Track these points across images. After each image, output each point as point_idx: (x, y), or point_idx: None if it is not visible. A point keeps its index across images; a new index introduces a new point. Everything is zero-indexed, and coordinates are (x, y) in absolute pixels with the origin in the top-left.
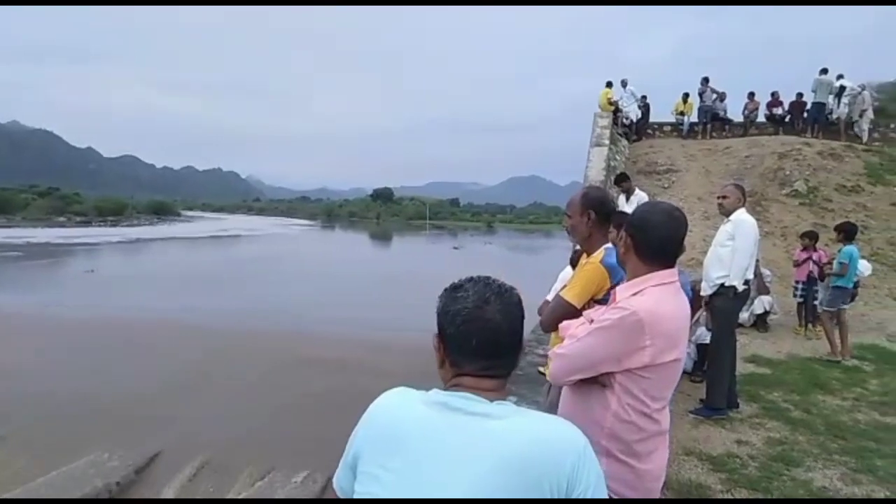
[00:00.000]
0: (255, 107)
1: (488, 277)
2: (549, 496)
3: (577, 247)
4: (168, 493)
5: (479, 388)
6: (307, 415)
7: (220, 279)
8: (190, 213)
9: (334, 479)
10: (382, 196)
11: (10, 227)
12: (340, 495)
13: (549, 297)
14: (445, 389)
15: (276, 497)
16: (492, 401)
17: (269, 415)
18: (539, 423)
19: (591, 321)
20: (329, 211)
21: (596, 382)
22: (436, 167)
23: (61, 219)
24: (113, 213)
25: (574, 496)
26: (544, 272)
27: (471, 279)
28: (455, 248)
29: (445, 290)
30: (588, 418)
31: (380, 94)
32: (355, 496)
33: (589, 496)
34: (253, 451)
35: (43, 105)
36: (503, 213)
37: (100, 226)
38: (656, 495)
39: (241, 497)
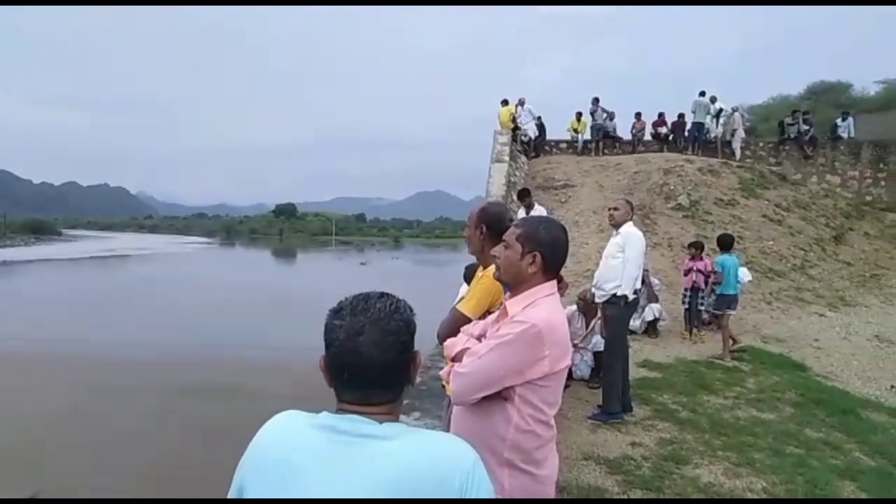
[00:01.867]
0: (145, 122)
1: (368, 298)
2: None
3: (474, 261)
4: None
5: (364, 411)
6: (197, 446)
7: (104, 305)
8: (73, 233)
9: None
10: (286, 212)
11: None
12: None
13: None
14: (335, 412)
15: None
16: (381, 422)
17: (158, 449)
18: (427, 441)
19: (477, 336)
20: (228, 228)
21: (497, 397)
22: (341, 182)
23: None
24: None
25: None
26: (452, 284)
27: (353, 300)
28: (362, 263)
29: (329, 311)
30: (489, 432)
31: (280, 110)
32: None
33: None
34: (142, 488)
35: None
36: (410, 227)
37: None
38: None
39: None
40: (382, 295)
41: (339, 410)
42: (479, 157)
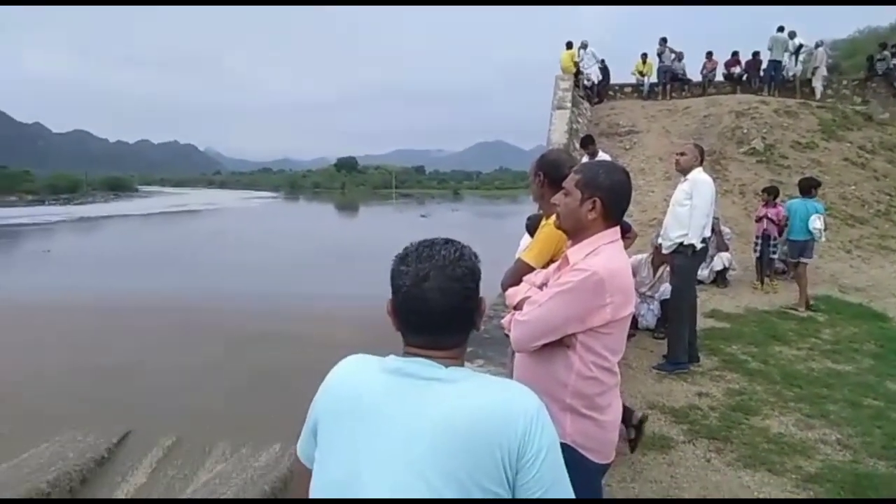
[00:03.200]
0: (211, 79)
1: (433, 245)
2: (498, 457)
3: (537, 212)
4: (141, 471)
5: (432, 355)
6: (271, 389)
7: (178, 256)
8: (148, 189)
9: (297, 447)
10: (347, 166)
11: None
12: (303, 461)
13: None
14: (402, 355)
15: (250, 472)
16: (446, 366)
17: (234, 391)
18: (491, 386)
19: (539, 285)
20: (292, 182)
21: (559, 344)
22: (400, 135)
23: (12, 198)
24: (66, 190)
25: (524, 460)
26: (512, 236)
27: (418, 246)
28: (423, 216)
29: (395, 257)
30: (551, 379)
31: (340, 62)
32: (315, 462)
33: (540, 461)
34: (221, 427)
35: None
36: (469, 179)
37: (53, 204)
38: (615, 445)
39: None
40: (447, 241)
41: (406, 354)
42: (541, 104)
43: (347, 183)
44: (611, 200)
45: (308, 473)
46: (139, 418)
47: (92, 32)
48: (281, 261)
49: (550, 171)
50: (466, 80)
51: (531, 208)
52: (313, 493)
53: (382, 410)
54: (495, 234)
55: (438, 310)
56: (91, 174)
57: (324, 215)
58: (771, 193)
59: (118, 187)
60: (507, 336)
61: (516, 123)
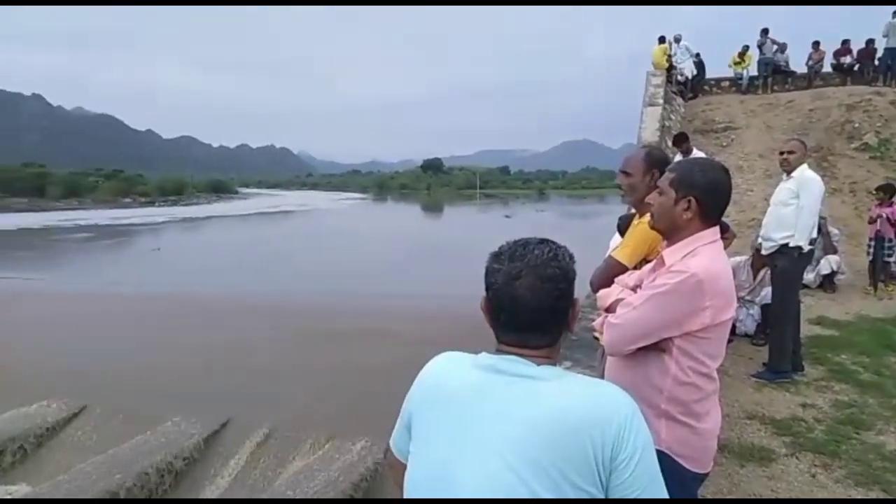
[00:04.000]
0: (304, 84)
1: (527, 245)
2: (591, 456)
3: (630, 211)
4: (240, 458)
5: (525, 353)
6: (361, 385)
7: (274, 255)
8: (246, 191)
9: (391, 441)
10: (432, 167)
11: (81, 209)
12: (397, 455)
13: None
14: (494, 353)
15: (337, 466)
16: (539, 364)
17: (322, 386)
18: (584, 385)
19: (632, 287)
20: (380, 184)
21: (654, 348)
22: (485, 135)
23: (127, 200)
24: (174, 192)
25: (618, 461)
26: (599, 236)
27: (512, 245)
28: (507, 216)
29: (490, 255)
30: (645, 383)
31: (425, 64)
32: (410, 455)
33: (635, 463)
34: (313, 420)
35: (103, 91)
36: (555, 179)
37: (162, 205)
38: (713, 453)
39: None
40: (542, 241)
41: (499, 351)
42: (630, 101)
43: (433, 184)
44: (707, 199)
45: (402, 466)
46: (237, 408)
47: (196, 43)
48: (369, 259)
49: (664, 168)
50: (553, 77)
51: (619, 208)
52: (408, 486)
53: (475, 406)
54: (581, 235)
55: (528, 309)
56: (196, 177)
57: (409, 215)
58: (886, 192)
59: (220, 189)
60: (596, 338)
61: (604, 122)
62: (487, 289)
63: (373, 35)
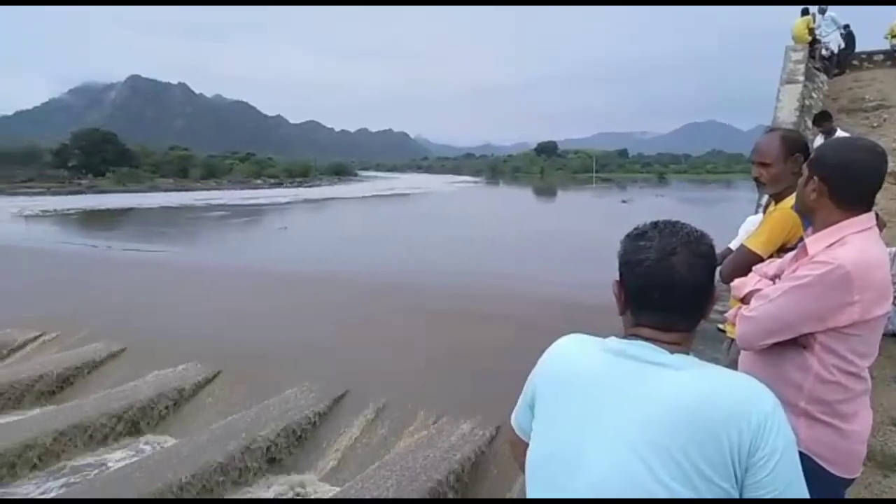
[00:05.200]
0: (420, 69)
1: (676, 223)
2: (727, 451)
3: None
4: (354, 429)
5: (658, 338)
6: (474, 366)
7: (391, 235)
8: (365, 173)
9: (512, 418)
10: (546, 150)
11: (218, 189)
12: (518, 433)
13: (733, 246)
14: (624, 337)
15: (446, 442)
16: (672, 352)
17: (434, 364)
18: (722, 376)
19: (771, 277)
20: (493, 167)
21: (793, 343)
22: (602, 117)
23: (258, 181)
24: (300, 174)
25: (756, 458)
26: (725, 225)
27: (656, 224)
28: (623, 201)
29: (627, 236)
30: (782, 380)
31: (542, 45)
32: (532, 434)
33: (775, 461)
34: (424, 397)
35: (239, 79)
36: (677, 163)
37: (289, 187)
38: (862, 459)
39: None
40: (677, 223)
41: (631, 336)
42: (765, 78)
43: (546, 167)
44: (838, 181)
45: (522, 444)
46: (354, 381)
47: (324, 32)
48: (480, 242)
49: (806, 151)
50: (678, 54)
51: (747, 195)
52: (529, 464)
53: (602, 390)
54: (705, 223)
55: (684, 285)
56: (319, 160)
57: (521, 199)
58: None
59: (341, 172)
60: (721, 330)
61: (733, 101)
62: (631, 268)
63: (491, 18)
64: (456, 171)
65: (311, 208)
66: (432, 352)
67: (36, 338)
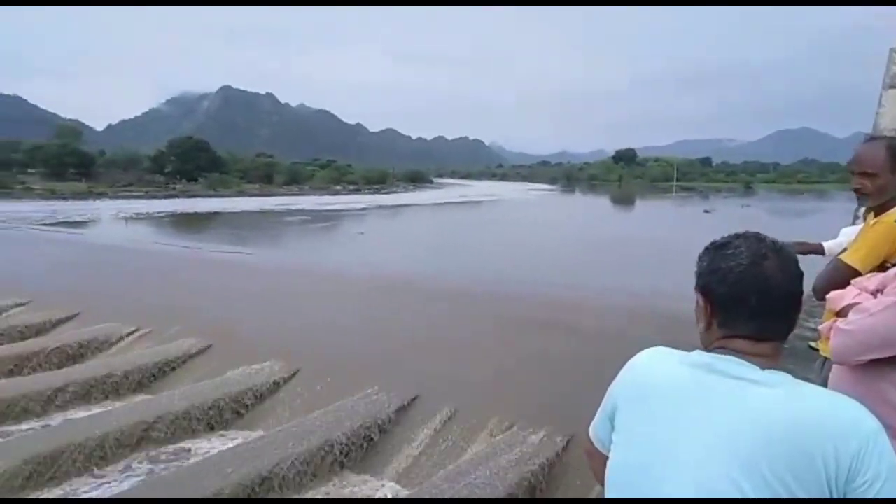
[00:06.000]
0: (497, 76)
1: (758, 233)
2: (822, 474)
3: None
4: (424, 434)
5: (749, 352)
6: (545, 376)
7: (461, 242)
8: (440, 181)
9: (591, 429)
10: (625, 158)
11: (300, 194)
12: (596, 445)
13: (826, 246)
14: (710, 351)
15: (517, 451)
16: (763, 368)
17: (504, 373)
18: (818, 395)
19: (872, 291)
20: (569, 175)
21: (892, 361)
22: (684, 124)
23: (338, 187)
24: (377, 181)
25: (856, 483)
26: (817, 239)
27: (738, 235)
28: (706, 210)
29: (708, 247)
30: (878, 399)
31: (620, 50)
32: (612, 446)
33: (878, 488)
34: (495, 405)
35: (323, 88)
36: (765, 171)
37: (367, 193)
38: None
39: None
40: (759, 234)
41: (718, 349)
42: (864, 82)
43: (624, 176)
44: None
45: (600, 455)
46: (425, 386)
47: (401, 41)
48: (550, 249)
49: None
50: (767, 57)
51: (842, 205)
52: (610, 476)
53: (687, 404)
54: (796, 236)
55: (779, 291)
56: (396, 167)
57: (596, 207)
58: None
59: (416, 179)
60: (812, 348)
61: (828, 107)
62: (721, 277)
63: (571, 22)
64: (531, 178)
65: (386, 214)
66: (503, 359)
67: (133, 332)
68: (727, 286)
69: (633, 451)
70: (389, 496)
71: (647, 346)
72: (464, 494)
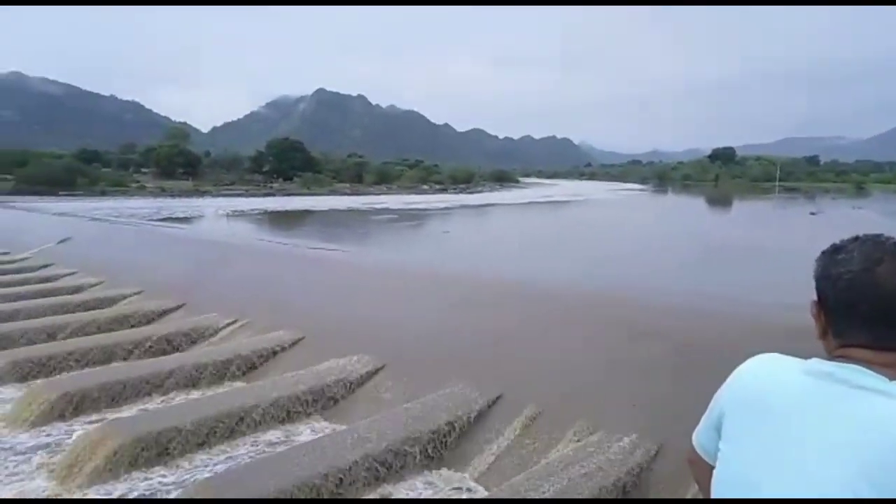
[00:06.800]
0: (585, 75)
1: (879, 235)
2: None
3: None
4: (507, 433)
5: (872, 361)
6: (634, 381)
7: (548, 242)
8: (526, 180)
9: (694, 437)
10: (722, 157)
11: (388, 193)
12: (700, 453)
13: None
14: (829, 360)
15: (602, 456)
16: (891, 379)
17: (598, 376)
18: None
19: None
20: (661, 174)
21: None
22: (789, 121)
23: (424, 187)
24: (463, 181)
25: None
26: None
27: (856, 238)
28: (812, 213)
29: (824, 252)
30: None
31: (717, 45)
32: (720, 455)
33: None
34: (581, 408)
35: (412, 90)
36: (879, 171)
37: (453, 192)
38: None
39: (555, 454)
40: (880, 235)
41: (839, 358)
42: None
43: (722, 175)
44: None
45: (703, 464)
46: (509, 385)
47: (488, 44)
48: (640, 253)
49: None
50: (880, 46)
51: None
52: (717, 486)
53: (804, 413)
54: None
55: (891, 298)
56: (482, 167)
57: (689, 208)
58: None
59: (502, 179)
60: None
61: None
62: (832, 283)
63: (660, 18)
64: (620, 178)
65: (471, 213)
66: (591, 362)
67: (232, 323)
68: (836, 293)
69: (743, 460)
70: (471, 495)
71: (746, 355)
72: (547, 497)
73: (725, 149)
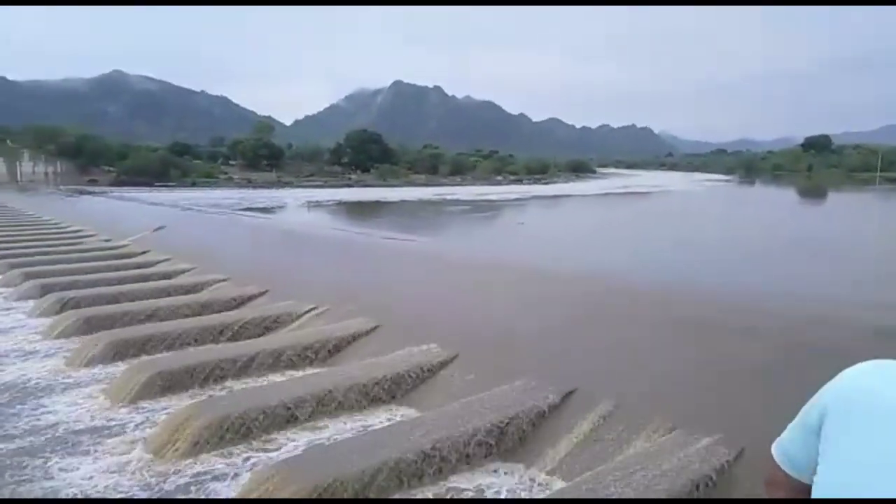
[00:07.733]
0: (667, 62)
1: None
2: None
3: None
4: (582, 427)
5: None
6: (716, 382)
7: (622, 235)
8: (604, 171)
9: (776, 448)
10: (817, 145)
11: (463, 185)
12: (784, 466)
13: None
14: None
15: (679, 456)
16: None
17: (677, 375)
18: None
19: None
20: (748, 164)
21: None
22: (892, 107)
23: (499, 177)
24: (538, 171)
25: None
26: None
27: None
28: None
29: None
30: None
31: (812, 26)
32: (821, 462)
33: None
34: (659, 405)
35: (487, 81)
36: None
37: (528, 183)
38: None
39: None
40: None
41: None
42: None
43: (816, 165)
44: None
45: (785, 481)
46: (583, 380)
47: (563, 30)
48: (721, 247)
49: None
50: None
51: None
52: (819, 486)
53: None
54: None
55: None
56: (558, 157)
57: (779, 201)
58: None
59: (578, 169)
60: None
61: None
62: None
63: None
64: (704, 168)
65: (546, 205)
66: (669, 360)
67: (311, 310)
68: None
69: (852, 459)
70: (542, 490)
71: (839, 360)
72: (622, 495)
73: (820, 136)
